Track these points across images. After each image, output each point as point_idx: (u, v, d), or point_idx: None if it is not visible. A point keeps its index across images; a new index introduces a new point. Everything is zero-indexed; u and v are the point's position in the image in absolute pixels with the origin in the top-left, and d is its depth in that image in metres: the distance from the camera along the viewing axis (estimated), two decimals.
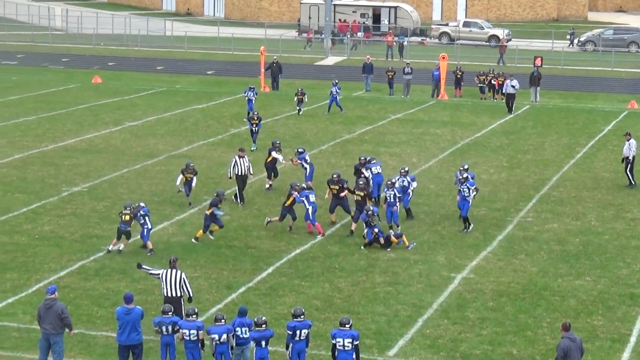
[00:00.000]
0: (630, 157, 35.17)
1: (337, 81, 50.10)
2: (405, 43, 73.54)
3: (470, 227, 29.40)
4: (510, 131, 45.57)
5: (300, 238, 28.65)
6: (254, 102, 46.69)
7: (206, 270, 25.82)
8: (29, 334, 21.57)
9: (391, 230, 28.50)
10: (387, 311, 23.24)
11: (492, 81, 54.69)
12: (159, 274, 21.50)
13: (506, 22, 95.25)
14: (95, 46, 78.43)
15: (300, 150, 33.71)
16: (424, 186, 34.18)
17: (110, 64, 68.86)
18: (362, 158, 32.27)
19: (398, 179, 30.17)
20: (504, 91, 52.05)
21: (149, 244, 26.87)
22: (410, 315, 23.06)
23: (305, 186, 30.08)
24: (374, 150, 39.37)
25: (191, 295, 21.44)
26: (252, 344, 19.08)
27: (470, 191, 29.33)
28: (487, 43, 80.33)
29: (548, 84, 58.12)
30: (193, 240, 28.00)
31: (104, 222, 29.76)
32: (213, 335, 18.97)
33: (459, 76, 55.53)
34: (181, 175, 31.24)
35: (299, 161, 33.22)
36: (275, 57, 58.57)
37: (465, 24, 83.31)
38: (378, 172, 31.85)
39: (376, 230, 27.68)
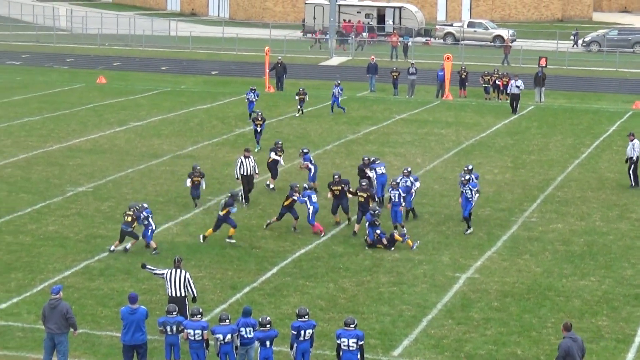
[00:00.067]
0: (634, 158, 35.16)
1: (339, 82, 50.04)
2: (409, 43, 73.55)
3: (469, 231, 29.29)
4: (515, 131, 45.53)
5: (305, 238, 28.65)
6: (255, 103, 46.61)
7: (211, 270, 25.82)
8: (33, 333, 21.58)
9: (395, 230, 28.48)
10: (391, 311, 23.23)
11: (497, 81, 54.65)
12: (163, 274, 21.50)
13: (511, 23, 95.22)
14: (99, 46, 78.52)
15: (305, 150, 33.71)
16: (428, 186, 34.18)
17: (114, 64, 68.87)
18: (366, 158, 32.24)
19: (401, 180, 30.14)
20: (508, 91, 52.02)
21: (152, 244, 26.89)
22: (415, 315, 23.05)
23: (306, 186, 30.01)
24: (378, 151, 39.36)
25: (195, 295, 21.44)
26: (257, 344, 19.10)
27: (473, 193, 29.30)
28: (492, 43, 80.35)
29: (553, 84, 58.10)
30: (200, 239, 27.97)
31: (109, 222, 29.77)
32: (217, 335, 18.97)
33: (463, 76, 55.47)
34: (189, 180, 31.27)
35: (305, 162, 33.16)
36: (280, 58, 58.58)
37: (470, 25, 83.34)
38: (382, 173, 31.83)
39: (378, 232, 27.66)
